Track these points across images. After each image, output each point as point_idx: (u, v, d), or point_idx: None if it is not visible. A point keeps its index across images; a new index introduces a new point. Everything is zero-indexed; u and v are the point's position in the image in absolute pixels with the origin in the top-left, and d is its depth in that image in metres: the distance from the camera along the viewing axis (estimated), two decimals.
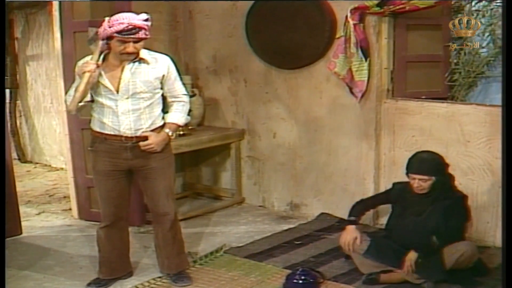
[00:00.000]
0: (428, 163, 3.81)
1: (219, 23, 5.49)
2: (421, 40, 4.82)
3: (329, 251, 4.23)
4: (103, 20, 3.41)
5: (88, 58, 3.52)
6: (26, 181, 6.75)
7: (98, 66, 3.42)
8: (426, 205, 3.77)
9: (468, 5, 4.99)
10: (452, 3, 4.86)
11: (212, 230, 4.88)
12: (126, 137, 3.53)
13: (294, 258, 4.16)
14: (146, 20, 3.39)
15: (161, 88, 3.61)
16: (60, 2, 4.82)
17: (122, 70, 3.48)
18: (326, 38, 4.78)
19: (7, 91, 7.32)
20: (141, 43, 3.43)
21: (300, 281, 3.64)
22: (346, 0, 4.58)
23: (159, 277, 3.88)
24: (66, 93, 3.82)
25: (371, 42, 4.60)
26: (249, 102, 5.46)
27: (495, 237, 4.18)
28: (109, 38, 3.38)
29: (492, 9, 4.93)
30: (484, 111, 4.25)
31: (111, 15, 3.41)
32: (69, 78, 4.83)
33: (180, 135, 5.05)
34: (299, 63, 5.03)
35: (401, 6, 4.31)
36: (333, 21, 4.73)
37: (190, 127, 5.29)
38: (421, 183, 3.74)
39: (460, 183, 4.34)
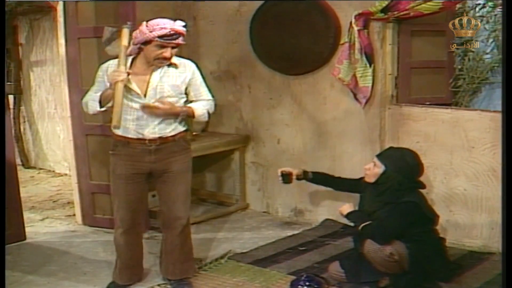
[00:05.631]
0: (391, 151, 3.86)
1: (223, 29, 5.51)
2: (425, 46, 4.82)
3: (334, 257, 4.21)
4: (140, 24, 3.41)
5: (111, 62, 3.52)
6: (30, 186, 6.76)
7: (129, 74, 3.40)
8: (373, 196, 3.78)
9: (472, 11, 4.99)
10: (456, 9, 4.86)
11: (216, 236, 4.88)
12: (150, 139, 3.52)
13: (298, 264, 4.15)
14: (184, 26, 3.41)
15: (186, 94, 3.62)
16: (64, 8, 4.83)
17: (150, 74, 3.48)
18: (330, 44, 4.79)
19: (11, 97, 7.33)
20: (176, 49, 3.45)
21: (305, 287, 3.63)
22: (350, 6, 4.59)
23: (164, 283, 3.88)
24: (82, 98, 3.73)
25: (376, 48, 4.60)
26: (253, 108, 5.46)
27: (500, 243, 4.16)
28: (146, 42, 3.37)
29: (496, 15, 4.93)
30: (489, 117, 4.25)
31: (151, 19, 3.41)
32: (73, 84, 4.86)
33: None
34: (303, 69, 5.04)
35: (405, 12, 4.32)
36: (337, 27, 4.74)
37: (194, 133, 5.29)
38: (371, 167, 3.78)
39: (465, 189, 4.36)
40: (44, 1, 5.46)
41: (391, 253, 3.53)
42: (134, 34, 3.43)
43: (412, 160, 3.78)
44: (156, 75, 3.49)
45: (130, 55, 3.50)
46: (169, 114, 3.51)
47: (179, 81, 3.54)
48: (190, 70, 3.59)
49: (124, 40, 3.43)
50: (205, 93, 3.68)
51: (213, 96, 3.79)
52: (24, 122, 7.81)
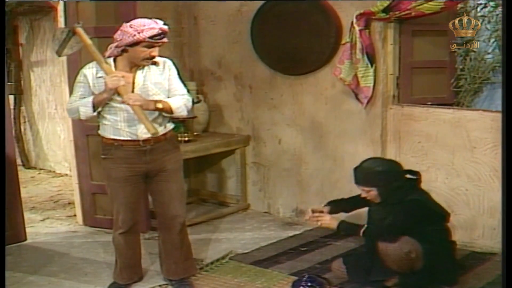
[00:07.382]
0: (365, 173, 3.70)
1: (224, 29, 5.49)
2: (427, 46, 4.81)
3: (335, 257, 4.19)
4: (119, 26, 3.42)
5: (91, 66, 3.52)
6: (30, 187, 6.76)
7: (123, 76, 3.41)
8: (384, 213, 3.66)
9: (473, 11, 4.98)
10: (458, 9, 4.85)
11: (217, 236, 4.87)
12: (144, 140, 3.52)
13: (300, 265, 4.14)
14: (165, 24, 3.44)
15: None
16: (65, 8, 4.82)
17: (134, 74, 3.50)
18: (331, 44, 4.77)
19: (12, 97, 7.32)
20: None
21: None
22: (351, 5, 4.58)
23: (165, 284, 3.87)
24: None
25: (377, 48, 4.59)
26: (254, 108, 5.45)
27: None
28: (134, 44, 3.37)
29: (497, 15, 4.91)
30: (490, 117, 4.23)
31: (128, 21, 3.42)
32: (73, 84, 4.84)
33: (185, 141, 5.04)
34: (305, 69, 5.02)
35: (406, 12, 4.30)
36: (339, 27, 4.73)
37: (195, 133, 5.29)
38: (366, 194, 3.69)
39: (467, 189, 4.35)
40: (45, 1, 5.46)
41: (409, 251, 3.51)
42: (116, 36, 3.42)
43: (385, 166, 3.72)
44: (140, 74, 3.51)
45: (109, 56, 3.50)
46: (145, 109, 3.43)
47: (162, 79, 3.57)
48: (168, 67, 3.62)
49: (87, 39, 3.46)
50: (180, 88, 3.67)
51: (188, 91, 3.79)
52: (25, 122, 7.81)
